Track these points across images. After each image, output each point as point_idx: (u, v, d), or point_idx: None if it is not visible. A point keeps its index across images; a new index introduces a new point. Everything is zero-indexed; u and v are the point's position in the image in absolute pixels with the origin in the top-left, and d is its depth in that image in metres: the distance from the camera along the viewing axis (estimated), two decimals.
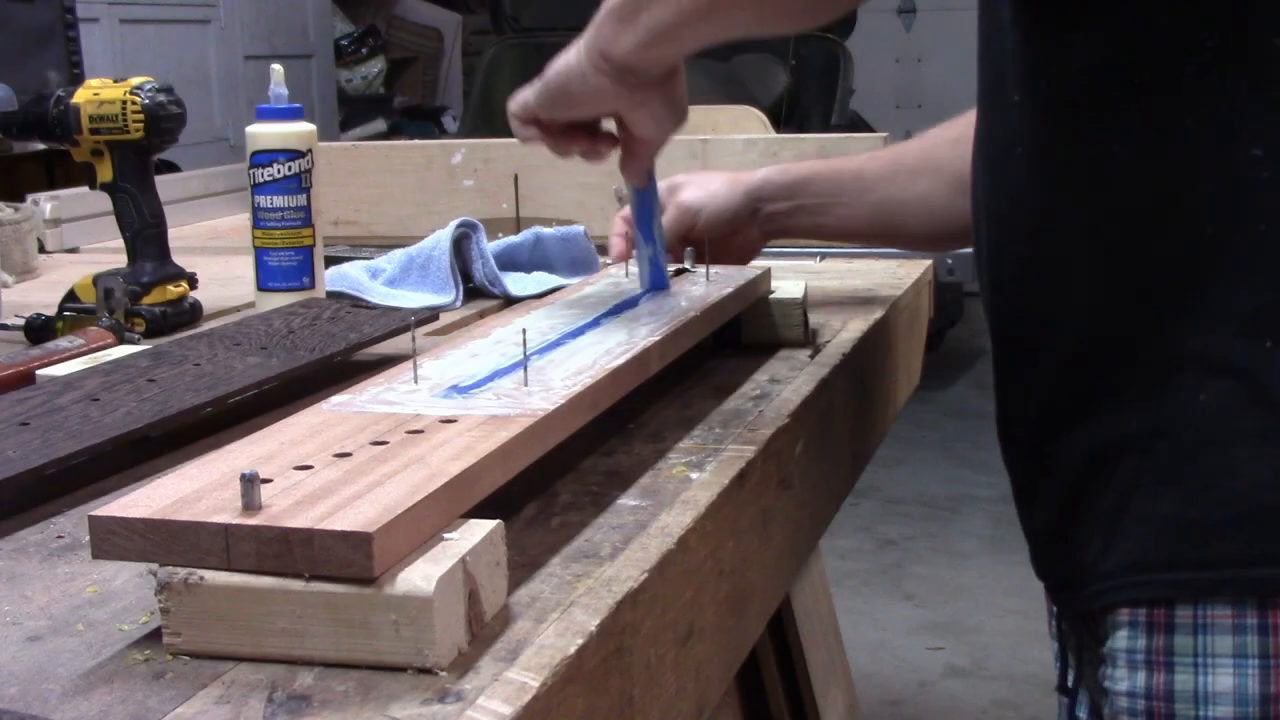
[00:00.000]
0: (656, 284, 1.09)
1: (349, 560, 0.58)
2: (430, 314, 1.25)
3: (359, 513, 0.60)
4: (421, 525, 0.62)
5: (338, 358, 1.09)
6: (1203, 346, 0.84)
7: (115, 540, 0.60)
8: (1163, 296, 0.85)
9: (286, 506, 0.61)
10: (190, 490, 0.63)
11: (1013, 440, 0.98)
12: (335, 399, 0.80)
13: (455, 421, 0.74)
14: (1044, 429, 0.93)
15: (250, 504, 0.60)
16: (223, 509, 0.61)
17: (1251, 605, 0.84)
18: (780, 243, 1.65)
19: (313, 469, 0.66)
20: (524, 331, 0.85)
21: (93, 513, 0.61)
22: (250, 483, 0.61)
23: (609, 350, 0.91)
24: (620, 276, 1.17)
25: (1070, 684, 1.02)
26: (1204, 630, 0.86)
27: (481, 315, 1.36)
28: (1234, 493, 0.84)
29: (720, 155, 1.67)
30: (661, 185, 1.28)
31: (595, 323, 1.00)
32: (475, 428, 0.73)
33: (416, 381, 0.83)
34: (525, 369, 0.83)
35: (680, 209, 1.25)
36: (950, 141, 1.22)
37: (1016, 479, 0.99)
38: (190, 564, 0.60)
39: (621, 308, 1.05)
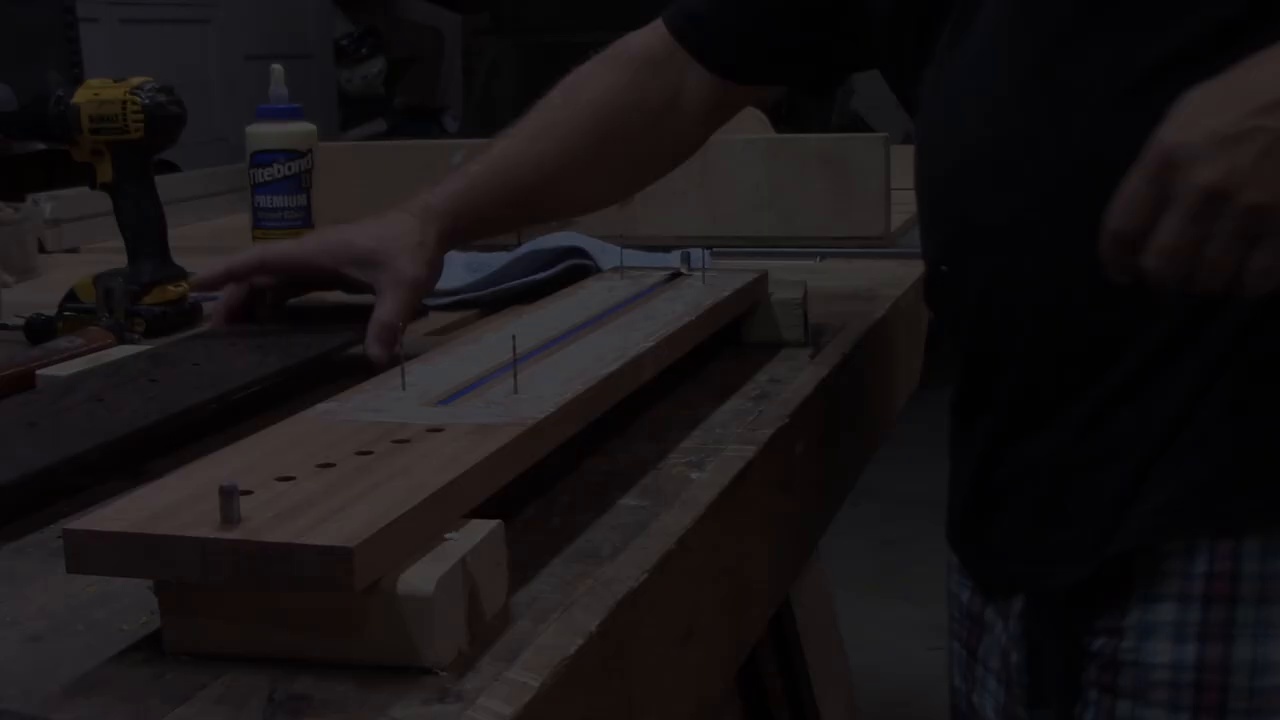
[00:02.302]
0: None
1: (329, 576, 0.56)
2: (422, 310, 1.24)
3: (340, 527, 0.58)
4: (406, 539, 0.60)
5: (336, 355, 1.09)
6: None
7: (90, 553, 0.59)
8: None
9: (266, 520, 0.59)
10: (169, 502, 0.61)
11: (1012, 341, 0.92)
12: (321, 406, 0.78)
13: (442, 430, 0.73)
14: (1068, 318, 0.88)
15: (229, 517, 0.58)
16: (201, 522, 0.59)
17: None
18: (779, 243, 1.66)
19: (295, 480, 0.65)
20: (514, 338, 0.84)
21: (67, 525, 0.59)
22: (229, 495, 0.59)
23: (601, 357, 0.90)
24: (616, 279, 1.17)
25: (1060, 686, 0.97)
26: (1272, 600, 0.84)
27: (480, 315, 1.36)
28: None
29: (720, 155, 1.66)
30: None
31: (588, 328, 0.99)
32: (463, 437, 0.72)
33: (404, 388, 0.81)
34: (515, 375, 0.82)
35: (405, 288, 1.06)
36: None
37: (1016, 394, 0.93)
38: (166, 578, 0.59)
39: (615, 312, 1.04)
